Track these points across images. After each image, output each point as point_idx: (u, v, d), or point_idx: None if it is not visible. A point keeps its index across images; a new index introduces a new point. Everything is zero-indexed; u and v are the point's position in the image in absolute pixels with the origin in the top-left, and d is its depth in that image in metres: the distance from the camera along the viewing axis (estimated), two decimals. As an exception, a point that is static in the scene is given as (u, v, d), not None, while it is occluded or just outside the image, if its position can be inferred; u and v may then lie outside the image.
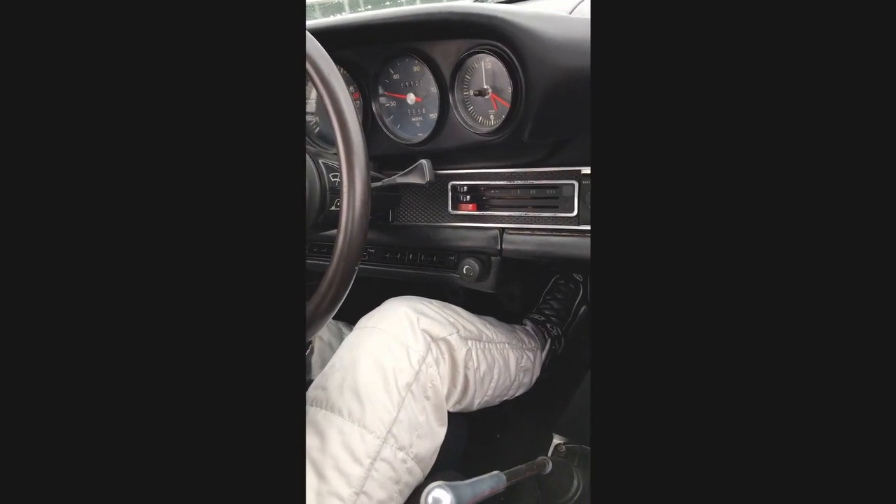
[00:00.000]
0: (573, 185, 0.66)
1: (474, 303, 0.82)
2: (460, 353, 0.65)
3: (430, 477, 0.62)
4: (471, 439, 0.77)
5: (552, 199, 0.67)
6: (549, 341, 0.97)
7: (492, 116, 0.64)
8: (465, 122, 0.64)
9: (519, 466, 0.61)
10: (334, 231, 0.51)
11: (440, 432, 0.63)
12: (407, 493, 0.58)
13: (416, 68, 0.66)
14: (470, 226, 0.73)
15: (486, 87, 0.62)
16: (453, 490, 0.47)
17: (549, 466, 0.67)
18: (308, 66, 0.49)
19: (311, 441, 0.54)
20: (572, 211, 0.66)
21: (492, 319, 0.80)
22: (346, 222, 0.49)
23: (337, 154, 0.49)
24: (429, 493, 0.47)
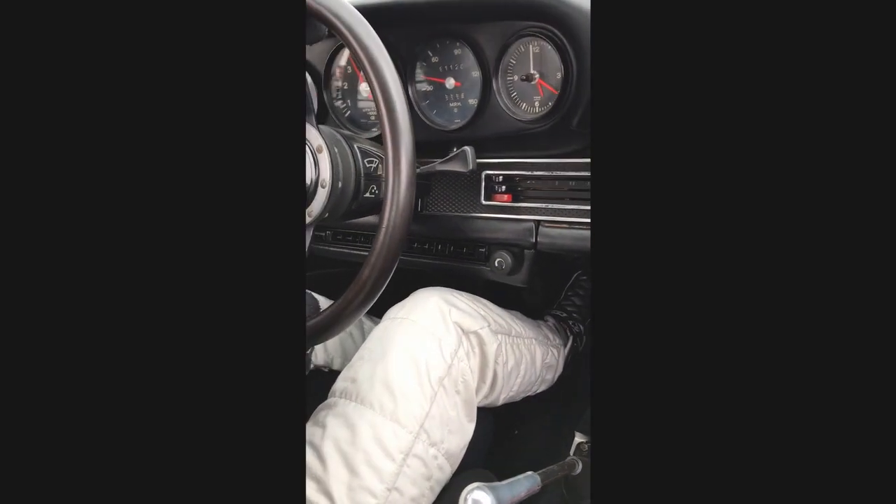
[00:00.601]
0: (615, 178, 0.63)
1: (494, 296, 0.80)
2: (491, 348, 0.63)
3: (457, 474, 0.60)
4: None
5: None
6: (570, 339, 0.95)
7: (537, 103, 0.61)
8: (507, 108, 0.62)
9: (551, 467, 0.59)
10: (367, 218, 0.48)
11: (469, 428, 0.61)
12: (438, 489, 0.57)
13: (457, 51, 0.64)
14: (504, 217, 0.70)
15: (533, 72, 0.60)
16: (493, 491, 0.46)
17: (580, 467, 0.65)
18: (353, 44, 0.46)
19: (341, 433, 0.53)
20: (613, 205, 0.64)
21: (518, 314, 0.78)
22: (390, 211, 0.46)
23: (382, 137, 0.47)
24: (468, 493, 0.45)
